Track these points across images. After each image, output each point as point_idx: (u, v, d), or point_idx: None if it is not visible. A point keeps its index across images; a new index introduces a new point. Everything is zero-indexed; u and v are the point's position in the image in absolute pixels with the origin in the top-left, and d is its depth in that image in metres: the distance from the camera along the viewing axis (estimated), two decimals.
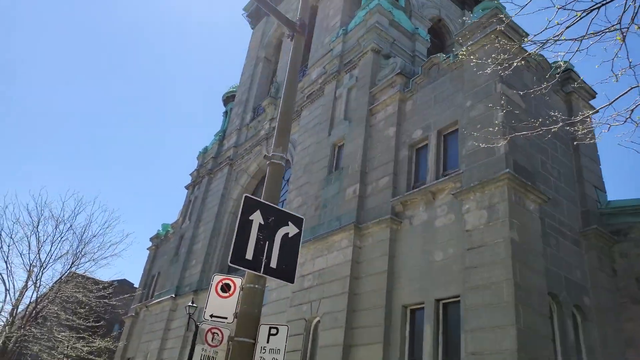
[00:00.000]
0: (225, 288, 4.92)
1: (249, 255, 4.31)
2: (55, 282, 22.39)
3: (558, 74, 12.46)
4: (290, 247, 4.65)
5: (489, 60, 10.73)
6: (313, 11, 26.51)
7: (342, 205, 13.66)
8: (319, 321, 12.53)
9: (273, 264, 4.47)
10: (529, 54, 11.41)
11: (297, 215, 4.89)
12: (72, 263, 22.75)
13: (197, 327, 10.84)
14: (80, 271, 22.96)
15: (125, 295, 25.72)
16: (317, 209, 14.74)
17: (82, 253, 23.06)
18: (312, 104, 18.91)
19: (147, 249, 31.53)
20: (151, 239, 31.64)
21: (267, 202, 4.70)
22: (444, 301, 9.90)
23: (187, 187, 28.57)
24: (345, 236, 12.70)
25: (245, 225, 4.38)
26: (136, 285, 26.61)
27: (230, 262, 4.29)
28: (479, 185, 9.59)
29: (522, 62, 11.31)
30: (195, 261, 22.68)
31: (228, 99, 31.96)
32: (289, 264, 4.60)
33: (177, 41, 79.90)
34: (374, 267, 11.63)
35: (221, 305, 4.88)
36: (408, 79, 14.20)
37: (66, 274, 22.56)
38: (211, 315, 4.92)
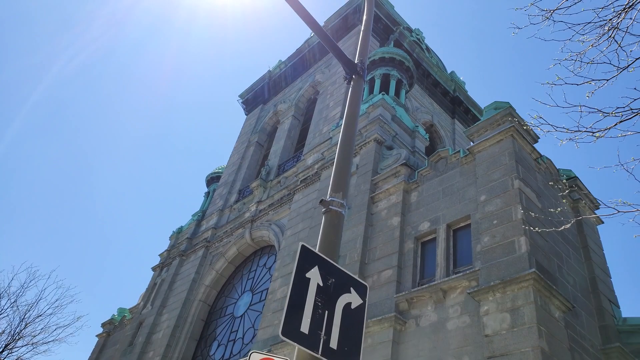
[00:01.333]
0: None
1: (305, 327, 3.43)
2: None
3: (566, 179, 12.55)
4: (354, 322, 3.80)
5: (506, 157, 10.71)
6: (311, 103, 27.36)
7: None
8: None
9: (333, 343, 3.57)
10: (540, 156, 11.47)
11: (360, 280, 4.10)
12: (5, 346, 20.25)
13: None
14: (15, 355, 20.35)
15: None
16: None
17: (20, 335, 20.69)
18: (306, 189, 18.50)
19: (97, 335, 28.65)
20: (103, 325, 28.90)
21: (326, 258, 3.91)
22: None
23: (153, 269, 26.82)
24: None
25: (301, 285, 3.56)
26: None
27: (282, 335, 3.39)
28: (500, 285, 8.90)
29: (535, 162, 11.35)
30: (153, 353, 20.44)
31: (212, 179, 31.50)
32: (352, 347, 3.70)
33: (161, 118, 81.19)
34: None
35: None
36: (412, 171, 14.05)
37: None
38: None
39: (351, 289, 3.91)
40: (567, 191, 12.12)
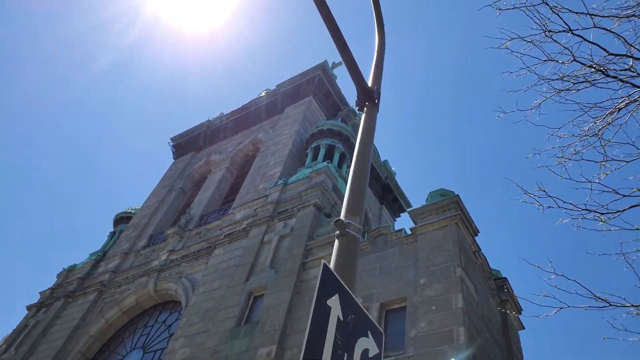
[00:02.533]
0: None
1: None
2: None
3: (496, 279, 12.76)
4: None
5: (449, 243, 10.67)
6: (248, 159, 26.78)
7: None
8: None
9: None
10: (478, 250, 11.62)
11: (378, 327, 3.37)
12: None
13: None
14: None
15: None
16: None
17: None
18: (230, 244, 17.35)
19: None
20: None
21: (347, 289, 3.20)
22: None
23: (29, 308, 23.29)
24: None
25: (322, 313, 2.83)
26: None
27: None
28: None
29: (474, 254, 11.45)
30: None
31: (121, 219, 29.01)
32: None
33: (81, 146, 75.71)
34: None
35: None
36: None
37: None
38: None
39: (369, 332, 3.22)
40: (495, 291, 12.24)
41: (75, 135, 73.65)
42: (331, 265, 3.53)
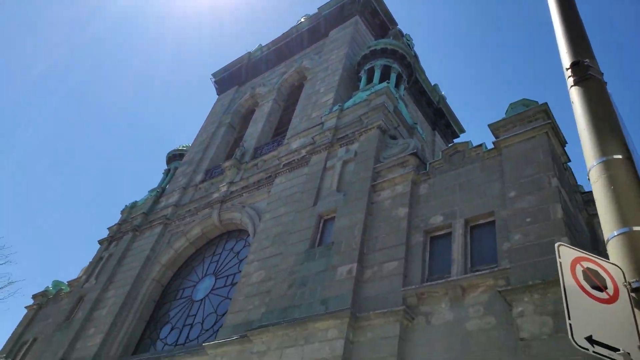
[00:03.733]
0: (597, 282, 2.51)
1: None
2: None
3: (582, 193, 11.93)
4: None
5: (540, 154, 9.86)
6: (294, 89, 25.93)
7: (330, 286, 11.26)
8: None
9: None
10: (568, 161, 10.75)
11: None
12: None
13: None
14: None
15: None
16: (292, 287, 12.13)
17: None
18: (290, 173, 17.04)
19: (26, 307, 25.47)
20: (34, 297, 25.76)
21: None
22: None
23: (100, 242, 24.19)
24: (334, 325, 10.16)
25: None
26: None
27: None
28: (540, 286, 7.92)
29: (563, 165, 10.61)
30: (95, 330, 18.07)
31: (174, 157, 29.18)
32: None
33: (125, 90, 76.40)
34: None
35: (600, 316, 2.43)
36: (421, 162, 13.02)
37: None
38: (590, 340, 2.43)
39: None
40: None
41: (120, 77, 74.00)
42: (580, 122, 2.84)
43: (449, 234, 10.73)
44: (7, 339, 24.54)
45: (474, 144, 11.96)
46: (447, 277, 9.74)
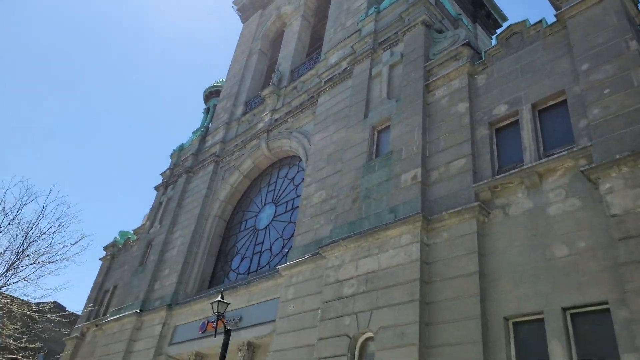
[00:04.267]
0: None
1: None
2: None
3: None
4: None
5: (612, 16, 8.94)
6: (321, 2, 24.65)
7: (395, 194, 11.20)
8: (370, 338, 9.80)
9: None
10: None
11: None
12: (12, 264, 18.72)
13: (228, 333, 7.69)
14: (21, 275, 18.89)
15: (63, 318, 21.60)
16: (356, 201, 12.17)
17: (25, 254, 19.12)
18: (333, 89, 16.59)
19: (100, 259, 27.38)
20: (106, 248, 27.57)
21: None
22: (574, 310, 7.54)
23: (157, 188, 25.09)
24: (406, 230, 10.19)
25: None
26: (69, 309, 22.55)
27: None
28: (629, 158, 7.47)
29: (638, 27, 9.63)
30: (169, 270, 19.23)
31: (211, 94, 29.16)
32: None
33: (148, 33, 75.85)
34: (455, 269, 9.15)
35: None
36: (475, 53, 12.23)
37: (1, 278, 18.43)
38: None
39: None
40: None
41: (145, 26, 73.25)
42: None
43: (516, 122, 10.23)
44: (89, 289, 26.75)
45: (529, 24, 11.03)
46: (520, 166, 9.40)
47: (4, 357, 18.27)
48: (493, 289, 8.54)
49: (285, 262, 13.73)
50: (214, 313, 8.77)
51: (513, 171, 9.29)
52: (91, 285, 26.78)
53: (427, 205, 10.49)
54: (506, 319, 8.19)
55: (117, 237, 27.40)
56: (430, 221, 9.99)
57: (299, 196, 17.15)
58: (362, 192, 12.18)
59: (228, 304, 9.00)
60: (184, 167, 23.76)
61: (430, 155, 11.31)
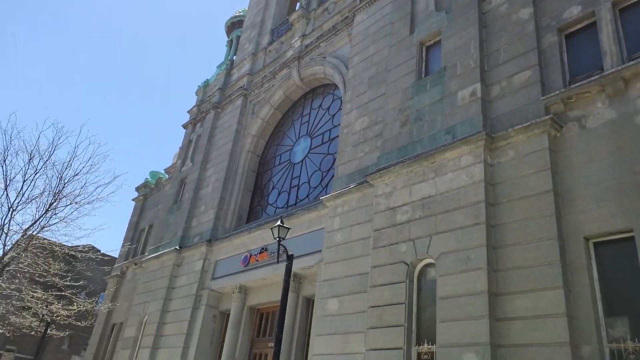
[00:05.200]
0: None
1: None
2: (28, 228, 18.48)
3: None
4: None
5: None
6: None
7: (451, 113, 10.41)
8: (430, 264, 9.42)
9: None
10: None
11: None
12: (50, 205, 18.85)
13: (290, 257, 7.42)
14: (60, 216, 19.07)
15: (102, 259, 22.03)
16: (406, 124, 11.43)
17: (62, 194, 19.19)
18: (371, 5, 15.37)
19: (133, 200, 27.64)
20: (138, 189, 27.75)
21: None
22: None
23: (185, 126, 24.67)
24: (467, 151, 9.50)
25: None
26: (104, 251, 22.92)
27: None
28: None
29: None
30: (205, 207, 19.13)
31: (233, 25, 27.92)
32: None
33: None
34: (525, 189, 8.51)
35: None
36: None
37: (41, 219, 18.63)
38: None
39: None
40: None
41: None
42: None
43: (592, 24, 9.14)
44: (122, 231, 27.22)
45: None
46: (598, 73, 8.45)
47: (53, 294, 18.82)
48: (570, 208, 7.92)
49: (328, 193, 13.32)
50: (275, 238, 8.45)
51: (592, 79, 8.35)
52: (124, 226, 27.26)
53: (488, 123, 9.71)
54: (587, 239, 7.62)
55: (148, 177, 27.46)
56: (494, 139, 9.26)
57: (335, 126, 16.47)
58: (411, 114, 11.41)
59: (289, 228, 8.62)
60: (211, 103, 23.13)
61: (489, 69, 10.36)
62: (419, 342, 8.92)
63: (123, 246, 25.32)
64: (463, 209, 9.03)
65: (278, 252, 8.63)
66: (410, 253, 9.60)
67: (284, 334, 13.08)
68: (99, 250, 35.96)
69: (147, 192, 26.79)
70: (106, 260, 32.59)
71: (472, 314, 8.01)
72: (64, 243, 21.18)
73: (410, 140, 11.07)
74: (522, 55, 9.79)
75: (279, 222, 8.64)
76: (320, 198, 13.26)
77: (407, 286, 9.36)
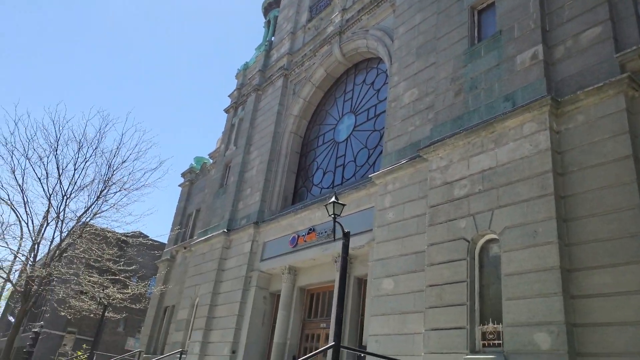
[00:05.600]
0: None
1: None
2: (82, 214, 19.04)
3: None
4: None
5: None
6: None
7: (510, 79, 9.73)
8: (492, 240, 8.91)
9: None
10: None
11: None
12: (101, 192, 19.32)
13: (347, 235, 7.13)
14: (110, 202, 19.55)
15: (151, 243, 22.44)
16: (460, 94, 10.82)
17: (111, 181, 19.62)
18: None
19: (179, 185, 28.10)
20: (183, 174, 28.17)
21: None
22: None
23: (226, 110, 24.69)
24: (530, 118, 8.85)
25: None
26: (152, 237, 23.37)
27: None
28: None
29: None
30: (251, 190, 19.11)
31: (270, 6, 27.55)
32: None
33: None
34: (599, 155, 7.84)
35: None
36: None
37: (93, 206, 19.13)
38: None
39: None
40: None
41: None
42: None
43: None
44: (172, 214, 27.77)
45: None
46: None
47: (108, 278, 19.41)
48: None
49: (377, 171, 12.91)
50: (330, 215, 8.15)
51: None
52: (170, 212, 27.82)
53: (552, 87, 9.00)
54: None
55: (193, 163, 27.80)
56: (560, 104, 8.56)
57: (381, 101, 15.96)
58: (465, 82, 10.77)
59: (344, 205, 8.28)
60: (251, 85, 22.99)
61: (551, 29, 9.58)
62: (482, 321, 8.49)
63: (172, 230, 25.84)
64: (528, 180, 8.44)
65: (334, 229, 8.32)
66: (470, 229, 9.12)
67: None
68: (147, 236, 37.01)
69: (192, 178, 27.15)
70: (155, 246, 33.52)
71: (543, 291, 7.50)
72: (115, 230, 21.76)
73: (465, 110, 10.47)
74: (590, 10, 8.97)
75: (333, 199, 8.28)
76: (370, 176, 12.87)
77: (468, 263, 8.91)
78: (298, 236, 15.31)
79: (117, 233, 20.85)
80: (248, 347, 15.56)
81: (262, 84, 22.20)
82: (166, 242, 27.63)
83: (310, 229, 14.91)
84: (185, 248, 23.19)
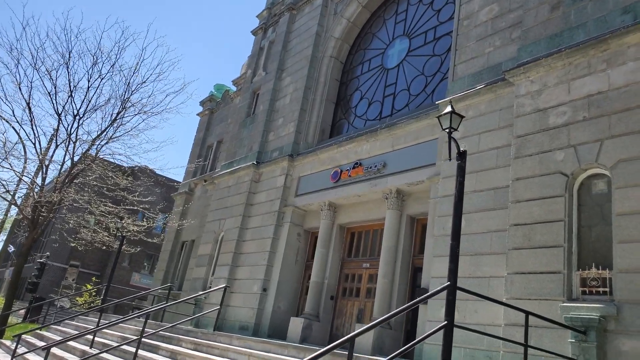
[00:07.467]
0: None
1: None
2: (96, 138, 18.27)
3: None
4: None
5: None
6: None
7: None
8: (597, 175, 8.05)
9: None
10: None
11: None
12: (118, 114, 18.45)
13: (463, 154, 6.25)
14: (127, 127, 18.73)
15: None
16: (558, 8, 9.61)
17: (129, 102, 18.71)
18: None
19: (198, 114, 27.14)
20: (202, 103, 27.16)
21: None
22: None
23: (254, 32, 23.28)
24: None
25: None
26: (159, 172, 22.59)
27: None
28: None
29: None
30: (284, 120, 18.16)
31: None
32: None
33: None
34: None
35: None
36: None
37: (108, 129, 18.31)
38: None
39: None
40: None
41: None
42: None
43: None
44: (184, 148, 26.99)
45: None
46: None
47: (125, 208, 18.91)
48: None
49: (438, 100, 11.91)
50: (443, 129, 7.25)
51: None
52: (181, 146, 27.01)
53: None
54: None
55: (213, 91, 26.74)
56: None
57: (442, 23, 14.67)
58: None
59: (463, 117, 7.35)
60: (285, 4, 21.50)
61: None
62: (581, 266, 7.78)
63: (190, 162, 25.17)
64: None
65: (450, 145, 7.39)
66: (570, 162, 8.23)
67: (387, 254, 12.37)
68: (154, 171, 36.43)
69: (212, 107, 26.15)
70: (163, 183, 32.99)
71: None
72: (131, 158, 21.04)
73: (566, 26, 9.31)
74: None
75: (448, 108, 7.26)
76: (437, 102, 11.86)
77: (566, 201, 8.09)
78: (341, 171, 14.53)
79: (125, 166, 20.12)
80: (280, 285, 15.17)
81: (297, 3, 20.71)
82: (177, 180, 27.04)
83: (356, 163, 14.09)
84: (205, 181, 22.58)
